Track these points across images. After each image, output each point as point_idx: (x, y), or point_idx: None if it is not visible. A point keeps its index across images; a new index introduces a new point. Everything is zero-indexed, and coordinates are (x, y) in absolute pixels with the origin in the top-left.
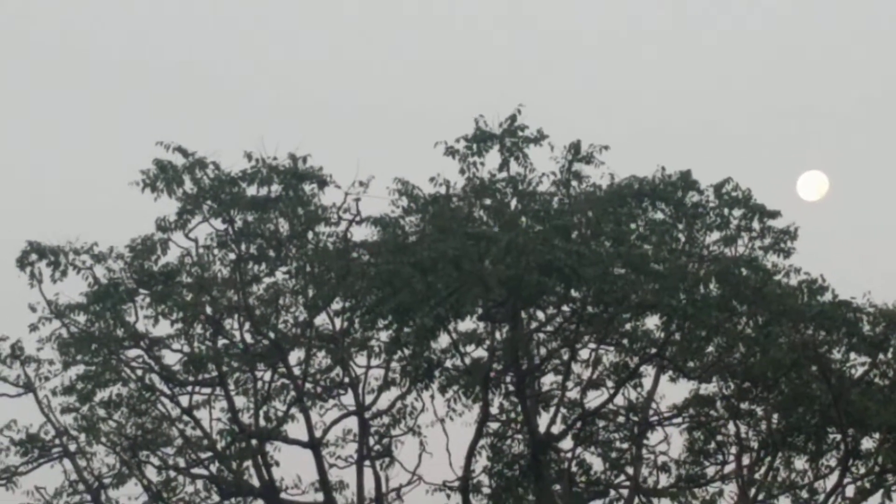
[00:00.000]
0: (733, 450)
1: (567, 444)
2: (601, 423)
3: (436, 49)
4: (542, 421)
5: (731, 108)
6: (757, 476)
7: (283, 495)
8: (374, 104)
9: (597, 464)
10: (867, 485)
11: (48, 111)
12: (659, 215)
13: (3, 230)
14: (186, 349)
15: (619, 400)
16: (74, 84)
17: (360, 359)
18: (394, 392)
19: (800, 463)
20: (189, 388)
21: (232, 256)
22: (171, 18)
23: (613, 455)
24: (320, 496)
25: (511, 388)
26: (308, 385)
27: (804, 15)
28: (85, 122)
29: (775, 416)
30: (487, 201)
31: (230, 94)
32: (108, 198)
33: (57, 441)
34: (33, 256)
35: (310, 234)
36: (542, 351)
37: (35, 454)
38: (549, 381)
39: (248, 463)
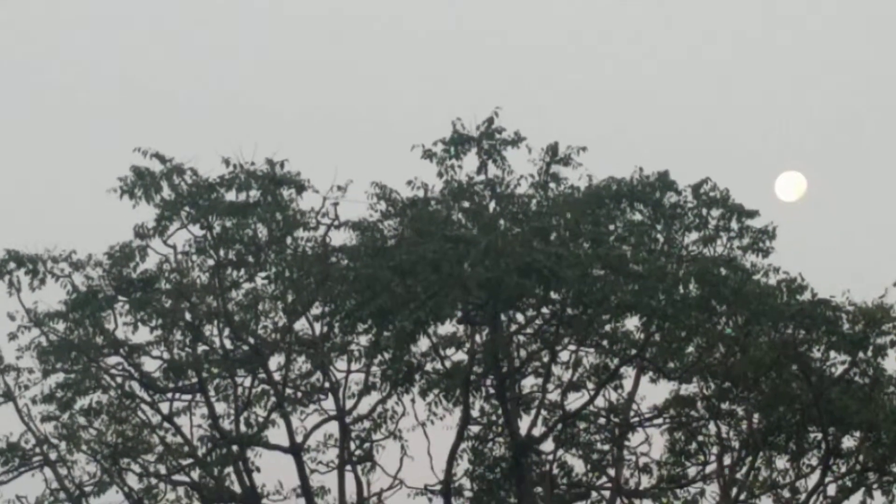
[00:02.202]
0: (714, 450)
1: (548, 446)
2: (582, 425)
3: (412, 52)
4: (523, 423)
5: (708, 108)
6: (738, 476)
7: (264, 501)
8: (351, 108)
9: (578, 466)
10: (848, 483)
11: (25, 118)
12: (637, 216)
13: None
14: (166, 356)
15: (600, 401)
16: (53, 90)
17: (341, 363)
18: (374, 396)
19: (781, 462)
20: (169, 395)
21: (211, 262)
22: (147, 26)
23: (595, 457)
24: (302, 502)
25: (491, 391)
26: (288, 390)
27: (783, 15)
28: (62, 128)
29: (756, 415)
30: (466, 204)
31: (204, 98)
32: (85, 205)
33: (37, 450)
34: (11, 265)
35: (288, 240)
36: (522, 353)
37: (15, 463)
38: (529, 383)
39: (230, 469)
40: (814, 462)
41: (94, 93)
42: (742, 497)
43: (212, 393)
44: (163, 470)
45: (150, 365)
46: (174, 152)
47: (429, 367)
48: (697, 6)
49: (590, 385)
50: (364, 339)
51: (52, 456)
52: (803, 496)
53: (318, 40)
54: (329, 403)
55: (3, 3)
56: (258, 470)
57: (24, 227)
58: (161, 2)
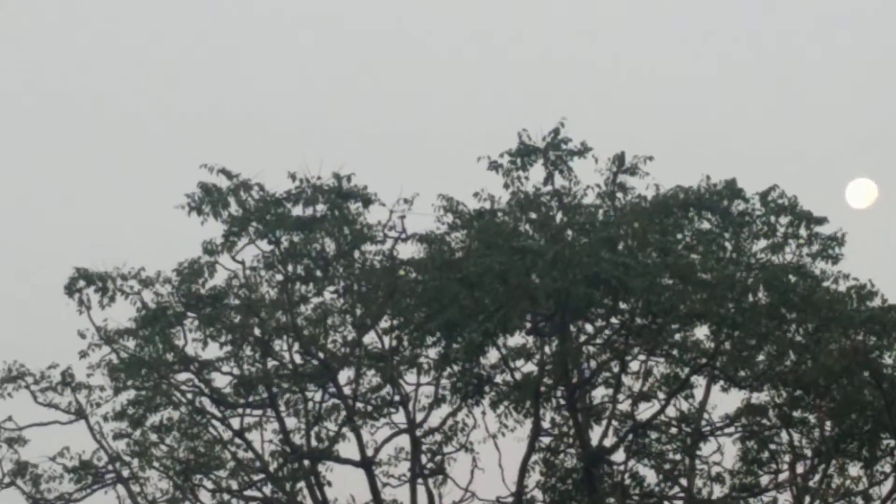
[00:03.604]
0: (787, 458)
1: (620, 456)
2: (653, 435)
3: (475, 65)
4: (594, 434)
5: (777, 115)
6: (811, 484)
7: None
8: (416, 121)
9: (650, 476)
10: None
11: (93, 135)
12: (705, 225)
13: (50, 258)
14: (236, 371)
15: (671, 411)
16: (121, 109)
17: (410, 376)
18: (444, 409)
19: (854, 469)
20: (240, 411)
21: (279, 277)
22: (210, 44)
23: (667, 467)
24: None
25: (562, 401)
26: (358, 404)
27: (852, 18)
28: (129, 146)
29: (828, 423)
30: (533, 215)
31: (269, 116)
32: (154, 223)
33: (110, 467)
34: (81, 283)
35: (356, 253)
36: (592, 364)
37: (89, 481)
38: (599, 393)
39: (301, 484)
40: (887, 469)
41: (160, 110)
42: None
43: (282, 408)
44: (235, 485)
45: (221, 381)
46: (240, 168)
47: (498, 378)
48: (763, 8)
49: (660, 395)
50: (433, 352)
51: (125, 473)
52: (877, 503)
53: (381, 55)
54: (399, 417)
55: (66, 32)
56: (329, 484)
57: (93, 246)
58: (221, 21)
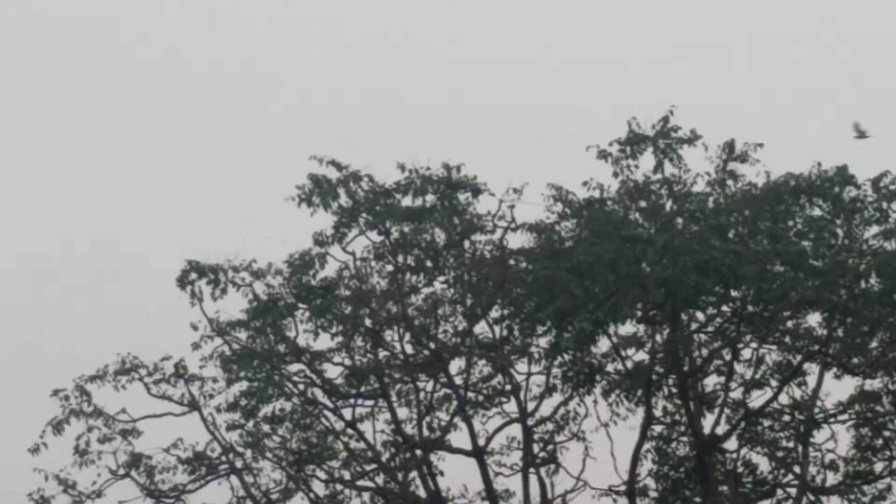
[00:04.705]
0: None
1: (732, 444)
2: (766, 423)
3: (582, 52)
4: (707, 422)
5: (890, 99)
6: None
7: None
8: (526, 110)
9: (763, 463)
10: None
11: (205, 132)
12: (816, 211)
13: (163, 251)
14: (347, 362)
15: (784, 398)
16: (231, 104)
17: (521, 366)
18: (556, 398)
19: None
20: (351, 401)
21: (389, 268)
22: (312, 41)
23: (780, 454)
24: None
25: (674, 390)
26: (470, 394)
27: None
28: (238, 139)
29: None
30: (642, 203)
31: (380, 106)
32: (265, 214)
33: (223, 458)
34: (193, 275)
35: (466, 243)
36: (704, 352)
37: (202, 472)
38: (711, 381)
39: (414, 474)
40: None
41: (269, 103)
42: None
43: (394, 398)
44: (347, 476)
45: (332, 371)
46: (350, 160)
47: (610, 367)
48: None
49: (773, 382)
50: (544, 341)
51: (238, 464)
52: None
53: (491, 42)
54: (511, 406)
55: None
56: (442, 474)
57: (204, 238)
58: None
